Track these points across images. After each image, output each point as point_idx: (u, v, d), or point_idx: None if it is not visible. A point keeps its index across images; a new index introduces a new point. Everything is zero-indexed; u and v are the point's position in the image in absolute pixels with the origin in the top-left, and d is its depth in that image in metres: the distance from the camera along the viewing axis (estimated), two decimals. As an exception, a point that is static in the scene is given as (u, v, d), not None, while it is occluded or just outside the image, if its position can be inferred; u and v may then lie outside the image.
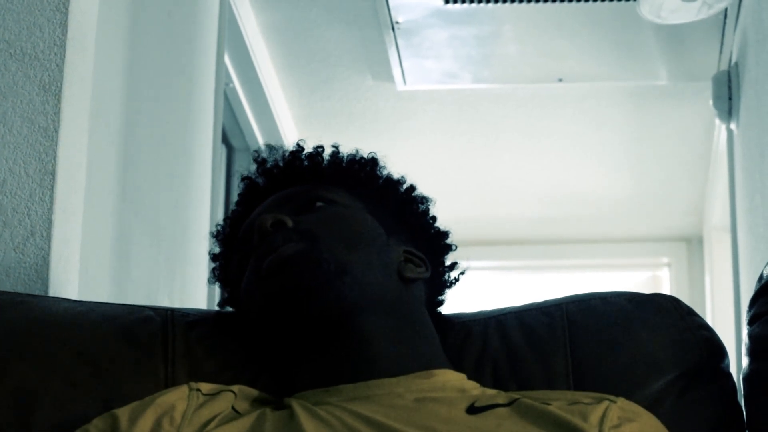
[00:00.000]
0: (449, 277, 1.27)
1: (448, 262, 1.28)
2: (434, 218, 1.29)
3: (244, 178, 1.31)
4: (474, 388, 1.13)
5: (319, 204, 1.19)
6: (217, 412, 1.08)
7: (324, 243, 1.12)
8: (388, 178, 1.28)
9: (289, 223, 1.14)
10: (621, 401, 1.08)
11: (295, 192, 1.22)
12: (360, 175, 1.27)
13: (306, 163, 1.27)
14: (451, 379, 1.12)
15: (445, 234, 1.29)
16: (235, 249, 1.24)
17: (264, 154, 1.31)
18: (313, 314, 1.10)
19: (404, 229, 1.24)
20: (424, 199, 1.29)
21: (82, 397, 1.15)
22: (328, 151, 1.29)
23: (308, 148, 1.29)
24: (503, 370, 1.19)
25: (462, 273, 1.28)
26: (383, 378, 1.09)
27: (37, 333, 1.18)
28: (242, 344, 1.21)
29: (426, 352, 1.13)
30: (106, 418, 1.08)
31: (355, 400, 1.07)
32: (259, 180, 1.29)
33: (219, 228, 1.32)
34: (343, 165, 1.27)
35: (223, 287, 1.29)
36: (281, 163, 1.29)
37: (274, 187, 1.26)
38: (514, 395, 1.10)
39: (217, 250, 1.31)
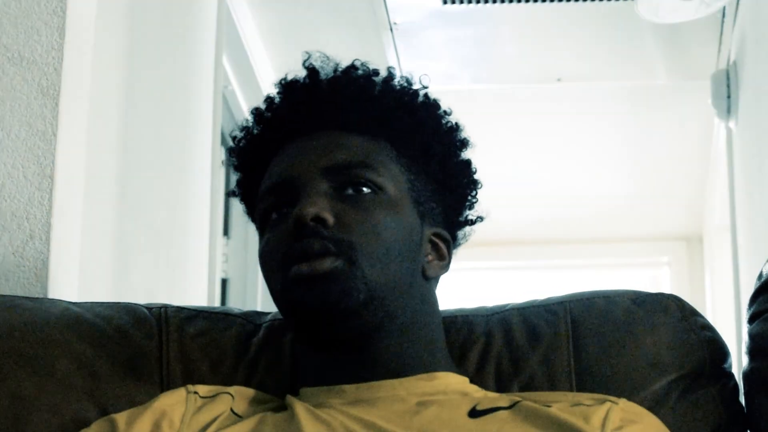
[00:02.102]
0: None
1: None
2: (476, 183, 1.23)
3: (268, 99, 1.21)
4: (476, 391, 1.12)
5: (365, 191, 1.11)
6: (215, 415, 1.08)
7: (360, 264, 1.07)
8: (448, 132, 1.20)
9: (330, 221, 1.08)
10: (623, 402, 1.08)
11: (343, 162, 1.12)
12: (415, 129, 1.18)
13: (354, 103, 1.16)
14: (452, 382, 1.11)
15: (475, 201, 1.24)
16: (257, 184, 1.17)
17: (309, 62, 1.19)
18: (330, 333, 1.09)
19: (441, 198, 1.19)
20: (469, 163, 1.23)
21: (77, 400, 1.15)
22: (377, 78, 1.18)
23: (358, 74, 1.18)
24: (506, 369, 1.19)
25: (480, 219, 1.24)
26: (386, 379, 1.09)
27: (33, 336, 1.17)
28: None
29: (430, 355, 1.12)
30: (104, 423, 1.08)
31: (357, 402, 1.07)
32: (284, 104, 1.20)
33: (238, 139, 1.23)
34: (397, 114, 1.17)
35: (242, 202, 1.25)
36: (323, 92, 1.17)
37: (303, 117, 1.17)
38: (516, 397, 1.10)
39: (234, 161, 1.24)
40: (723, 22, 3.04)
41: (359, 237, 1.08)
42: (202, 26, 2.31)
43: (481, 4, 2.95)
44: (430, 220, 1.16)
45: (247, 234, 3.21)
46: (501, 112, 3.65)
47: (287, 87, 1.20)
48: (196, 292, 2.18)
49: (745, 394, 1.20)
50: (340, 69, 1.19)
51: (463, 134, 1.22)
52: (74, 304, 1.24)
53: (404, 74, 1.21)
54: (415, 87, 1.20)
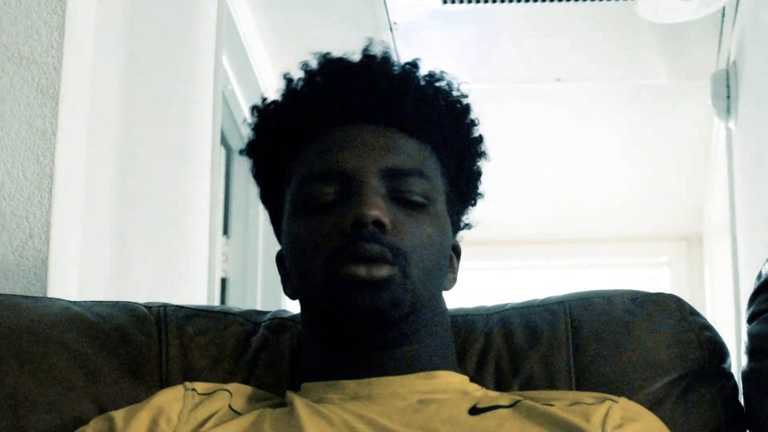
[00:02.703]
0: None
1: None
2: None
3: (310, 72, 1.16)
4: (476, 390, 1.13)
5: (418, 200, 1.10)
6: (213, 412, 1.09)
7: (411, 275, 1.07)
8: (478, 138, 1.20)
9: (388, 226, 1.06)
10: (623, 401, 1.08)
11: (403, 167, 1.11)
12: (456, 132, 1.17)
13: (414, 105, 1.14)
14: (453, 381, 1.12)
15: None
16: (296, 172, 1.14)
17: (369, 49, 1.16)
18: (364, 337, 1.09)
19: (459, 210, 1.19)
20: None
21: (77, 399, 1.15)
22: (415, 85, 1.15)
23: (416, 76, 1.16)
24: (506, 369, 1.19)
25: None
26: (387, 376, 1.09)
27: (32, 335, 1.17)
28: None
29: (434, 354, 1.12)
30: (103, 420, 1.08)
31: (357, 398, 1.07)
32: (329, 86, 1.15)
33: (273, 103, 1.18)
34: (446, 121, 1.16)
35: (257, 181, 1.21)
36: (386, 87, 1.14)
37: (361, 107, 1.13)
38: (516, 396, 1.10)
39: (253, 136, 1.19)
40: (723, 22, 3.04)
41: (412, 248, 1.08)
42: (202, 26, 2.31)
43: (480, 4, 2.95)
44: (455, 221, 1.18)
45: (247, 233, 3.21)
46: (500, 112, 3.65)
47: (342, 67, 1.15)
48: (195, 292, 2.18)
49: (744, 393, 1.20)
50: (399, 64, 1.17)
51: (485, 146, 1.21)
52: (74, 303, 1.24)
53: (448, 79, 1.19)
54: (457, 94, 1.19)
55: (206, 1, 2.33)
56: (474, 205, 1.22)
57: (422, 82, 1.16)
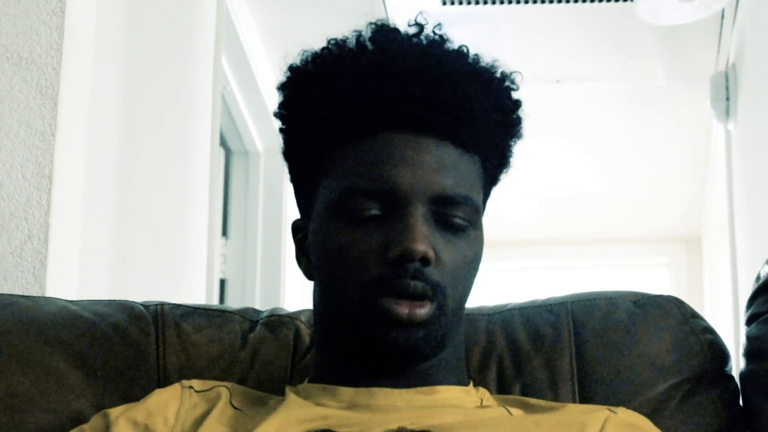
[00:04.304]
0: None
1: None
2: None
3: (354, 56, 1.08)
4: (474, 404, 1.10)
5: (463, 227, 1.05)
6: (212, 407, 1.08)
7: (446, 311, 1.04)
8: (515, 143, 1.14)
9: (432, 260, 1.02)
10: (621, 412, 1.07)
11: (452, 194, 1.04)
12: (505, 145, 1.12)
13: (473, 116, 1.06)
14: (451, 396, 1.09)
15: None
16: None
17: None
18: (389, 363, 1.06)
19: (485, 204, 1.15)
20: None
21: (75, 398, 1.15)
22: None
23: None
24: (508, 370, 1.19)
25: None
26: (386, 388, 1.07)
27: (30, 334, 1.17)
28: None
29: (439, 368, 1.09)
30: (100, 418, 1.08)
31: (353, 407, 1.06)
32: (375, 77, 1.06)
33: (305, 81, 1.10)
34: (498, 131, 1.10)
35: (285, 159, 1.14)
36: (446, 96, 1.05)
37: (416, 113, 1.04)
38: (514, 411, 1.09)
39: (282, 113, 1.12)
40: (722, 23, 3.05)
41: (450, 281, 1.04)
42: (202, 26, 2.31)
43: (479, 6, 2.95)
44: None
45: (246, 235, 3.21)
46: (500, 114, 3.65)
47: (405, 68, 1.06)
48: (194, 293, 2.18)
49: (744, 396, 1.20)
50: (458, 64, 1.08)
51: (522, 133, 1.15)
52: (71, 302, 1.24)
53: (508, 83, 1.11)
54: (516, 97, 1.11)
55: (205, 2, 2.33)
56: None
57: (481, 90, 1.07)
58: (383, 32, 1.10)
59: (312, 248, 1.09)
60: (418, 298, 1.02)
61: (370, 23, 1.11)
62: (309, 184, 1.10)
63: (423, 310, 1.02)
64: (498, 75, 1.10)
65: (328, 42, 1.10)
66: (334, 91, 1.07)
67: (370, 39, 1.10)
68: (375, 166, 1.04)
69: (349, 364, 1.08)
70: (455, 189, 1.05)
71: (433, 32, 1.12)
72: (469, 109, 1.05)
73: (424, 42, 1.10)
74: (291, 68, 1.11)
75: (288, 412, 1.05)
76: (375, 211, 1.03)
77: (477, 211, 1.07)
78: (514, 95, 1.12)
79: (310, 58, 1.10)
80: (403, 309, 1.01)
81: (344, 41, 1.10)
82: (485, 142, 1.09)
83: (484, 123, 1.07)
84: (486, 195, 1.13)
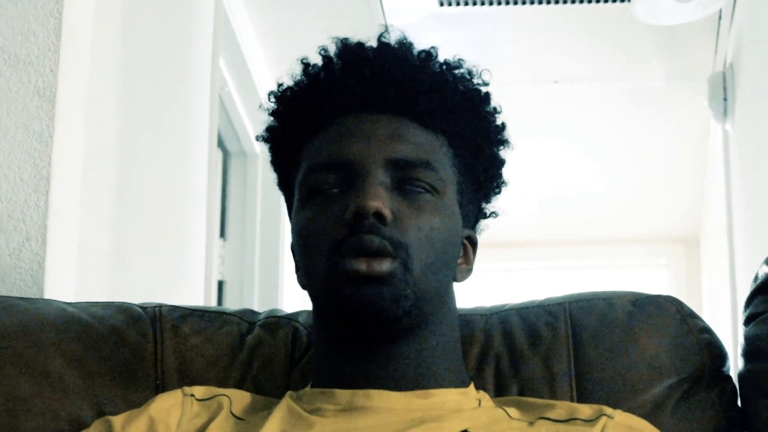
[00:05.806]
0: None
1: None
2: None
3: (328, 59, 1.14)
4: (473, 407, 1.09)
5: (424, 192, 1.08)
6: (212, 416, 1.08)
7: (413, 270, 1.04)
8: (499, 126, 1.17)
9: (389, 218, 1.04)
10: (618, 415, 1.07)
11: (408, 158, 1.08)
12: (472, 121, 1.14)
13: (427, 95, 1.11)
14: (448, 400, 1.09)
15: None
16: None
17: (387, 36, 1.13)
18: (363, 332, 1.07)
19: (476, 199, 1.17)
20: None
21: (72, 401, 1.15)
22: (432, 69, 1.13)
23: (431, 58, 1.13)
24: (506, 370, 1.19)
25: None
26: (383, 390, 1.07)
27: (27, 337, 1.17)
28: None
29: (436, 370, 1.09)
30: (101, 424, 1.08)
31: (350, 410, 1.06)
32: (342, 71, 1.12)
33: (287, 90, 1.16)
34: (463, 111, 1.13)
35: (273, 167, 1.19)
36: (397, 76, 1.10)
37: (370, 96, 1.10)
38: (512, 413, 1.09)
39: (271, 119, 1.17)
40: (720, 24, 3.05)
41: (414, 241, 1.05)
42: (199, 28, 2.31)
43: (477, 6, 2.95)
44: (465, 222, 1.14)
45: (244, 236, 3.21)
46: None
47: (355, 55, 1.13)
48: (192, 294, 2.18)
49: (742, 396, 1.20)
50: (413, 52, 1.13)
51: (506, 134, 1.20)
52: (69, 304, 1.24)
53: (467, 66, 1.17)
54: (476, 82, 1.16)
55: (203, 4, 2.33)
56: (498, 193, 1.20)
57: (437, 70, 1.13)
58: (356, 44, 1.15)
59: (292, 244, 1.13)
60: (378, 254, 1.03)
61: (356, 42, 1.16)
62: (290, 189, 1.15)
63: (383, 265, 1.03)
64: (465, 68, 1.16)
65: (301, 59, 1.16)
66: (302, 91, 1.14)
67: (344, 45, 1.15)
68: (333, 143, 1.09)
69: (342, 362, 1.08)
70: (412, 154, 1.08)
71: (408, 40, 1.15)
72: (423, 84, 1.10)
73: (394, 44, 1.15)
74: (270, 93, 1.17)
75: (272, 423, 1.06)
76: (336, 187, 1.08)
77: (442, 181, 1.09)
78: (484, 89, 1.16)
79: (287, 82, 1.17)
80: (362, 264, 1.03)
81: (326, 49, 1.16)
82: (447, 122, 1.12)
83: (443, 101, 1.11)
84: (468, 174, 1.14)
